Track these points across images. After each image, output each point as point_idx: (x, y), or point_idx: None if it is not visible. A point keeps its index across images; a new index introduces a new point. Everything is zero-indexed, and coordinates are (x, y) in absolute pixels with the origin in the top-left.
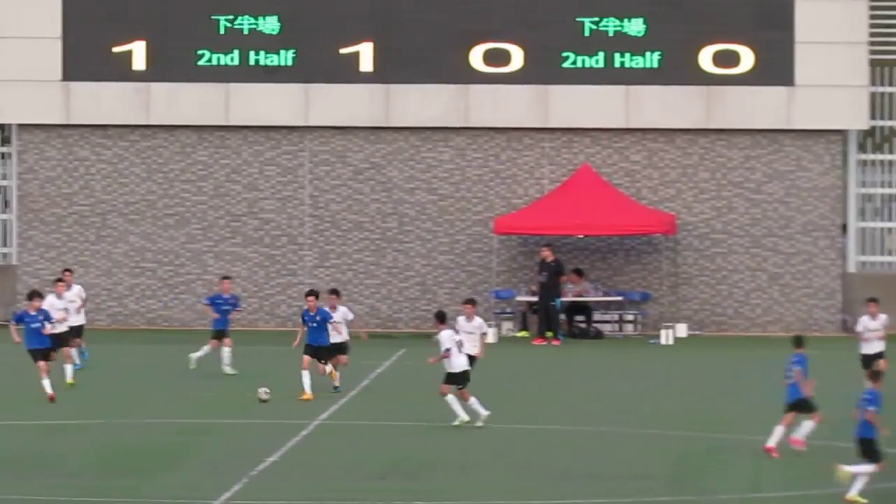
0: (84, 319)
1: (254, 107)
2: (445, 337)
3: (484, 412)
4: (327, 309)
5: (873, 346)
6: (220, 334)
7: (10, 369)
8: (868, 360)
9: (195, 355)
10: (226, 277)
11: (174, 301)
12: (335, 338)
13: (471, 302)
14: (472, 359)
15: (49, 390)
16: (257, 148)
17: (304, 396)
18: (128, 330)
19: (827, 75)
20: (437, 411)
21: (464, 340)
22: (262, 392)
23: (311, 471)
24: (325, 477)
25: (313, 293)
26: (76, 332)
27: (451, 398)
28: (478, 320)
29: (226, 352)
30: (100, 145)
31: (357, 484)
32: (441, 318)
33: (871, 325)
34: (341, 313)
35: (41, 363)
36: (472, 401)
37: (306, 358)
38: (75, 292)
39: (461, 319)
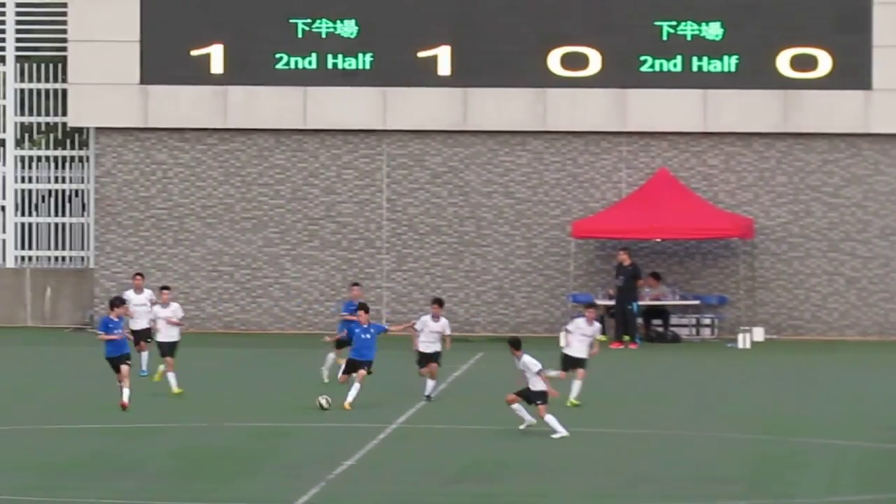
0: (148, 324)
1: (331, 110)
2: (533, 361)
3: (562, 431)
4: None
5: None
6: (344, 343)
7: (87, 373)
8: None
9: (341, 371)
10: (355, 284)
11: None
12: (430, 347)
13: (594, 306)
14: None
15: (125, 399)
16: (335, 151)
17: (320, 401)
18: (205, 333)
19: None
20: (513, 415)
21: (577, 342)
22: (322, 399)
23: (388, 474)
24: (402, 480)
25: (364, 307)
26: (145, 335)
27: (517, 406)
28: (597, 325)
29: (331, 357)
30: (177, 149)
31: (434, 487)
32: (518, 345)
33: None
34: (442, 325)
35: (119, 374)
36: (549, 418)
37: (344, 376)
38: (146, 296)
39: (581, 321)
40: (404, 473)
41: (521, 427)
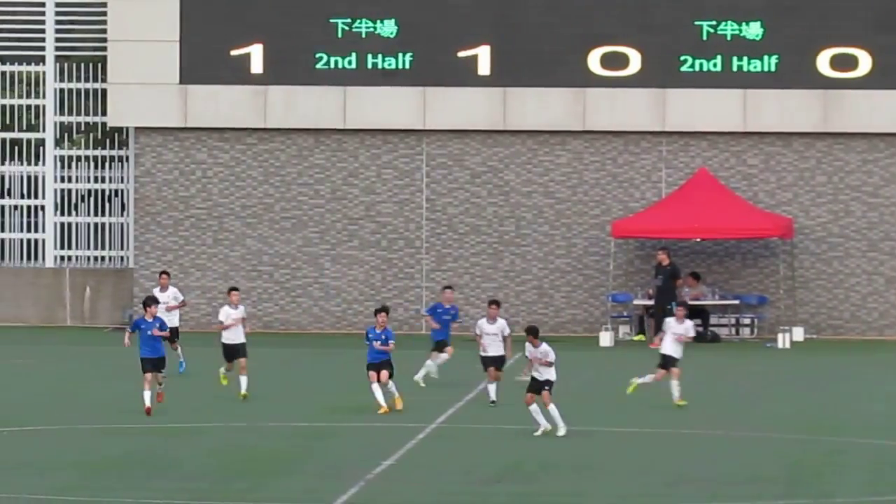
0: (178, 322)
1: (371, 110)
2: (551, 350)
3: (562, 426)
4: (390, 329)
5: None
6: (441, 345)
7: (126, 373)
8: None
9: (422, 374)
10: (448, 287)
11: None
12: (489, 350)
13: (685, 305)
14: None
15: (147, 403)
16: (374, 151)
17: (382, 410)
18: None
19: None
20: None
21: (670, 341)
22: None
23: (428, 474)
24: (442, 480)
25: (385, 310)
26: (173, 333)
27: (534, 408)
28: (688, 322)
29: (443, 357)
30: (217, 148)
31: (473, 487)
32: (537, 333)
33: None
34: (499, 326)
35: (148, 375)
36: (552, 408)
37: (373, 373)
38: (170, 294)
39: (672, 321)
40: (444, 473)
41: (537, 433)
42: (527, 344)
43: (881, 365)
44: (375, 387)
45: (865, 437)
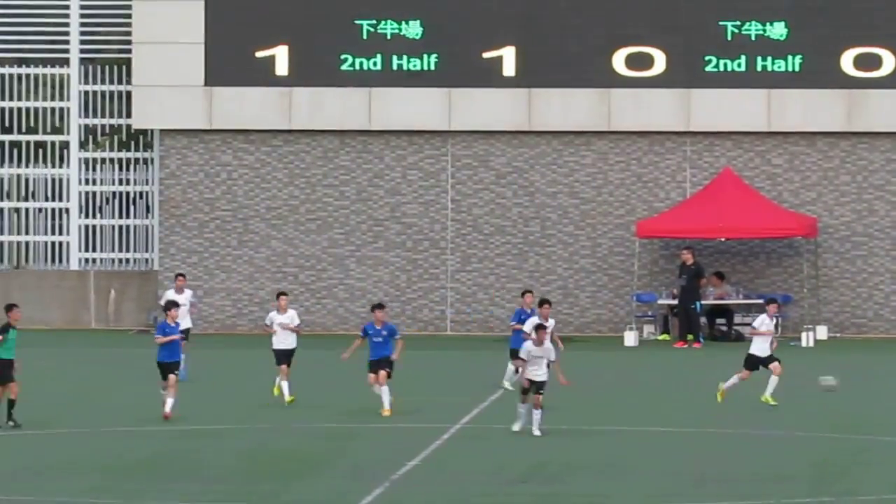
0: (191, 323)
1: (396, 111)
2: (553, 346)
3: (536, 431)
4: (394, 325)
5: None
6: (516, 353)
7: (151, 375)
8: None
9: (511, 376)
10: (527, 291)
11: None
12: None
13: (774, 301)
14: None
15: (167, 409)
16: (400, 152)
17: (385, 412)
18: (270, 335)
19: None
20: (579, 415)
21: (760, 340)
22: (828, 381)
23: (453, 475)
24: (467, 481)
25: (381, 306)
26: (184, 334)
27: (527, 407)
28: (775, 319)
29: (510, 370)
30: (242, 150)
31: (499, 488)
32: (545, 327)
33: None
34: (550, 325)
35: (164, 381)
36: (538, 412)
37: (372, 375)
38: (186, 296)
39: (764, 317)
40: (468, 473)
41: (515, 428)
42: (527, 342)
43: None
44: (376, 388)
45: (890, 435)
